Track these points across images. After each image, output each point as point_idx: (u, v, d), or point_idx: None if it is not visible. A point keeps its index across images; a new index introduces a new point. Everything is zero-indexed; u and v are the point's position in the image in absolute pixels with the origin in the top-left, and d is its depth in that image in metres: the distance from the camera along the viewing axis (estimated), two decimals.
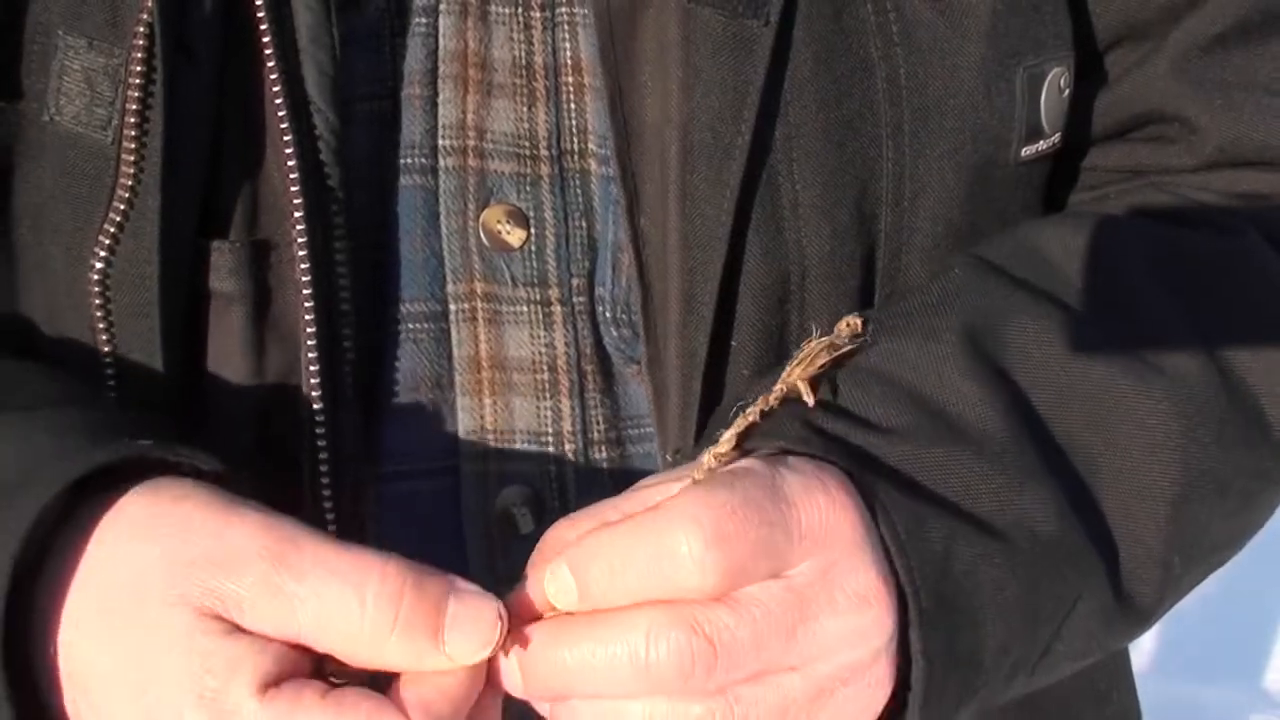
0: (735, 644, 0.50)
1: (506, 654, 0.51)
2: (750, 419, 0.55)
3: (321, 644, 0.49)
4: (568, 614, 0.52)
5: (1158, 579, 0.61)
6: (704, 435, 0.61)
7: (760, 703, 0.51)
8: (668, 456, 0.62)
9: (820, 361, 0.57)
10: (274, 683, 0.48)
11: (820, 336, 0.58)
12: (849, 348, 0.58)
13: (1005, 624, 0.56)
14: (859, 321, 0.59)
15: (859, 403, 0.58)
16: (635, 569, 0.50)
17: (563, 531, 0.53)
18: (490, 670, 0.51)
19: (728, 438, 0.54)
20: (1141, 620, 0.62)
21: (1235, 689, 2.43)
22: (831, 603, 0.52)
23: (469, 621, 0.49)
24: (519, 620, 0.52)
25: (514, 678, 0.51)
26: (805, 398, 0.57)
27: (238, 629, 0.48)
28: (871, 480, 0.55)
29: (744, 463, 0.53)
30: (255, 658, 0.48)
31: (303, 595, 0.48)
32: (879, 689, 0.54)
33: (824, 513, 0.52)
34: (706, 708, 0.50)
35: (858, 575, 0.52)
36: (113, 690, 0.49)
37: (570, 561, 0.51)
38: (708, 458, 0.54)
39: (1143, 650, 2.46)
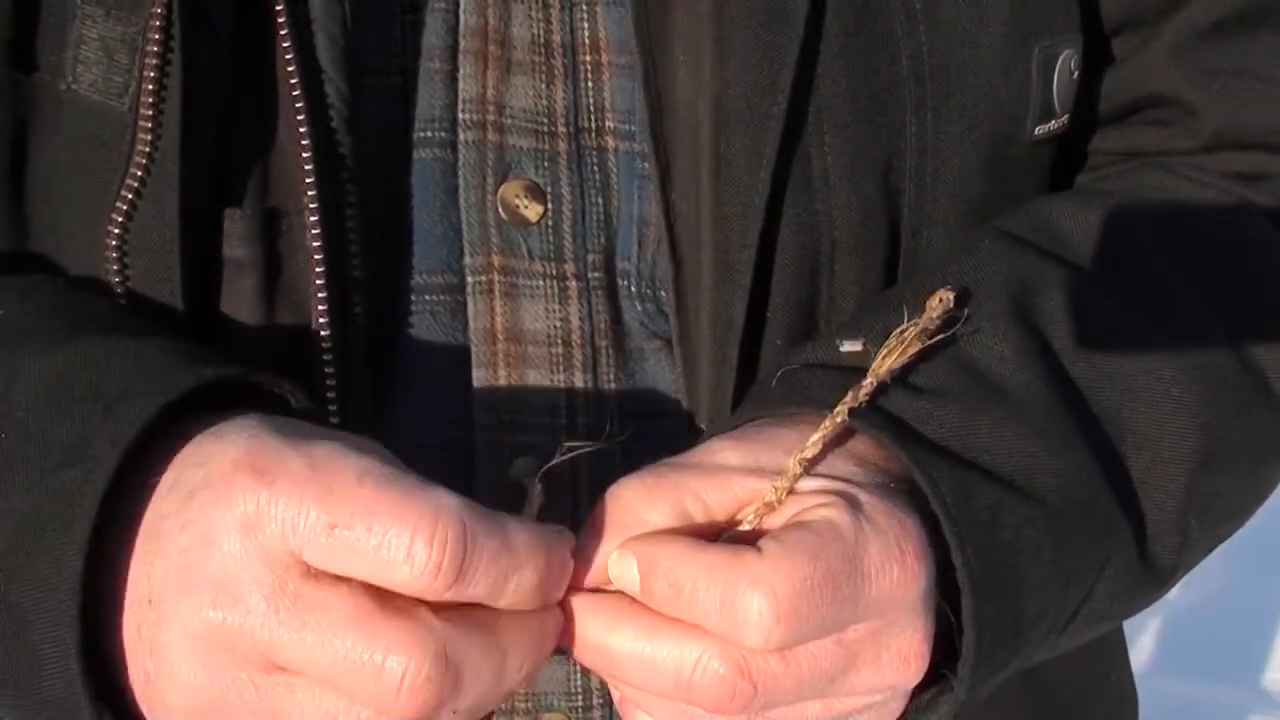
0: (776, 689, 0.51)
1: (562, 614, 0.53)
2: (839, 419, 0.55)
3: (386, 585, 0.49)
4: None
5: (1177, 543, 0.62)
6: (747, 400, 0.61)
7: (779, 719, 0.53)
8: (702, 425, 0.63)
9: (913, 349, 0.57)
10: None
11: (911, 322, 0.58)
12: (940, 336, 0.58)
13: (1043, 588, 0.57)
14: (950, 296, 0.59)
15: (904, 368, 0.58)
16: (701, 606, 0.51)
17: (635, 499, 0.54)
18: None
19: (814, 440, 0.54)
20: (1161, 583, 0.63)
21: (1235, 689, 2.44)
22: (876, 660, 0.53)
23: (526, 544, 0.50)
24: (577, 575, 0.53)
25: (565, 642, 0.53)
26: (873, 384, 0.56)
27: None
28: (921, 454, 0.55)
29: (827, 511, 0.53)
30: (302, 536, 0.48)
31: (367, 543, 0.48)
32: (893, 711, 0.56)
33: (895, 584, 0.52)
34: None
35: (905, 636, 0.53)
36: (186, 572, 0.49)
37: (639, 558, 0.52)
38: (792, 464, 0.54)
39: (1143, 650, 2.47)
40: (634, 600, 0.53)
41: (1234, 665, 2.48)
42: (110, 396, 0.52)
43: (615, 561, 0.53)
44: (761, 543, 0.52)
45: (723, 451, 0.56)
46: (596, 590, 0.54)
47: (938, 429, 0.57)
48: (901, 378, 0.58)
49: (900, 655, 0.53)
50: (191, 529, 0.49)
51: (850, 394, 0.55)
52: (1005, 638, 0.56)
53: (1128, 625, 0.78)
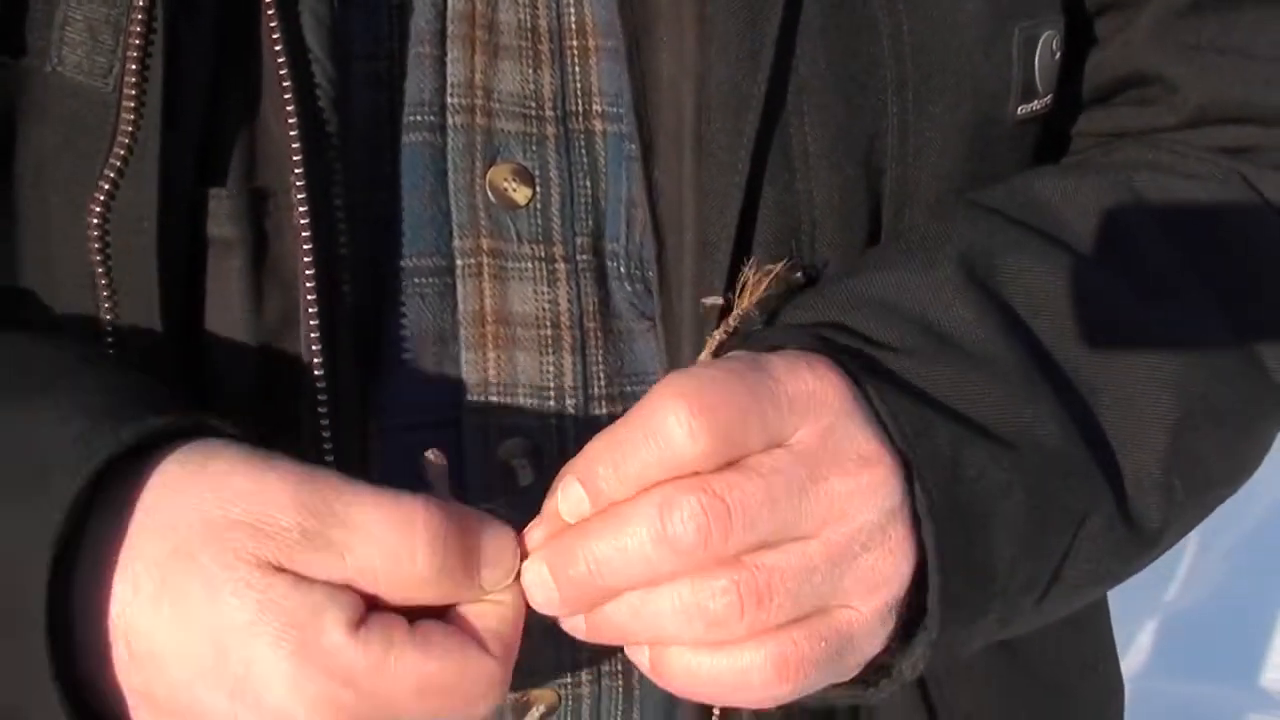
0: (747, 499, 0.51)
1: (536, 575, 0.53)
2: (718, 339, 0.58)
3: (368, 587, 0.50)
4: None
5: (1161, 503, 0.62)
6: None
7: (782, 568, 0.53)
8: None
9: (761, 287, 0.59)
10: (360, 621, 0.50)
11: (751, 265, 0.60)
12: (779, 269, 0.60)
13: (1014, 532, 0.57)
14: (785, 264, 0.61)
15: (864, 325, 0.59)
16: (633, 456, 0.52)
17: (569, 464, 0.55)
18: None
19: (702, 359, 0.57)
20: (1149, 545, 0.64)
21: (1235, 689, 2.43)
22: (837, 463, 0.53)
23: (497, 555, 0.53)
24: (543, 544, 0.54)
25: (548, 594, 0.53)
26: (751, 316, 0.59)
27: (301, 578, 0.50)
28: (879, 387, 0.56)
29: (730, 354, 0.55)
30: (336, 599, 0.49)
31: (350, 544, 0.50)
32: (899, 554, 0.55)
33: (810, 383, 0.54)
34: (730, 579, 0.52)
35: (855, 438, 0.54)
36: (188, 664, 0.50)
37: (574, 472, 0.53)
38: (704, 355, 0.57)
39: (1141, 650, 2.46)
40: None
41: (1233, 665, 2.47)
42: (36, 468, 0.51)
43: (561, 497, 0.53)
44: None
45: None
46: None
47: (897, 370, 0.58)
48: (860, 331, 0.59)
49: (859, 455, 0.54)
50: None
51: (722, 325, 0.59)
52: (976, 578, 0.57)
53: (1126, 625, 0.78)
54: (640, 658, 0.55)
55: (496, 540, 0.53)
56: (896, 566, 0.55)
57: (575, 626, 0.55)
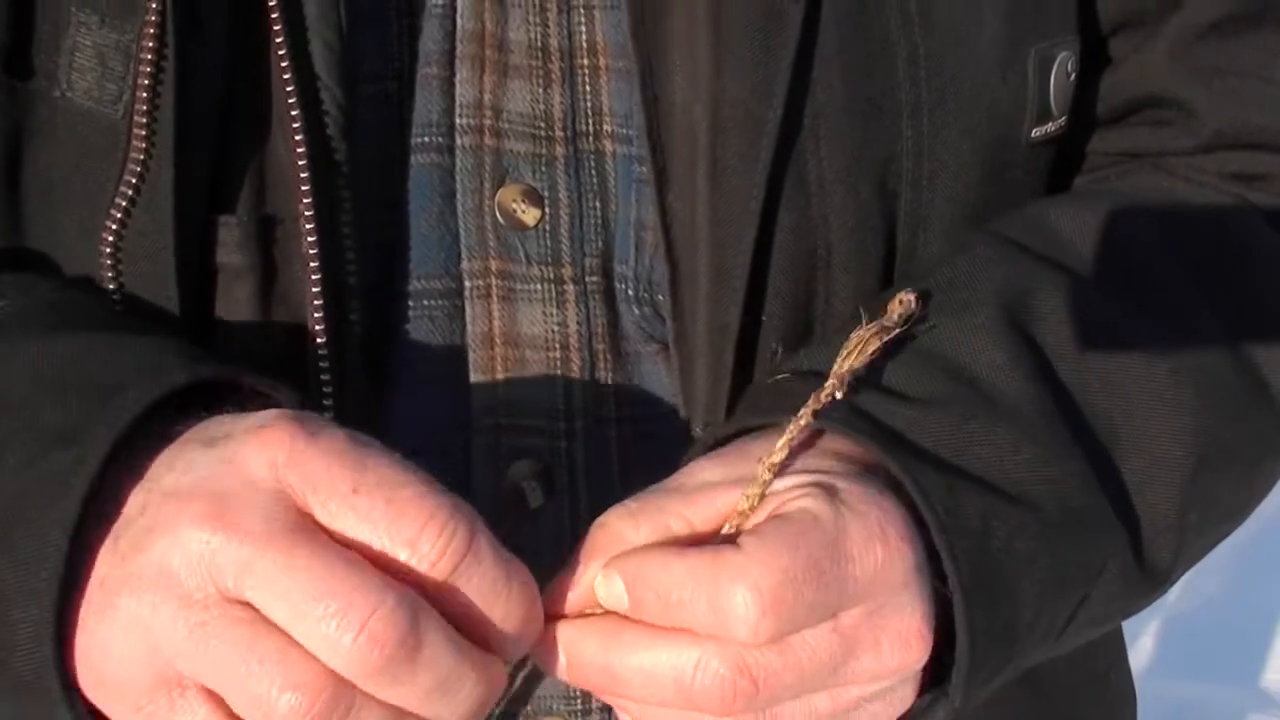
0: (779, 684, 0.51)
1: (555, 641, 0.53)
2: (803, 421, 0.55)
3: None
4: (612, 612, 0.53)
5: (1173, 545, 0.62)
6: (739, 408, 0.61)
7: (786, 716, 0.53)
8: (697, 430, 0.63)
9: (872, 349, 0.57)
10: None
11: (869, 323, 0.58)
12: (899, 331, 0.58)
13: (1037, 595, 0.57)
14: (911, 298, 0.59)
15: (895, 376, 0.58)
16: (689, 609, 0.51)
17: (621, 526, 0.54)
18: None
19: (781, 445, 0.54)
20: (1158, 585, 0.63)
21: (1235, 689, 2.44)
22: (875, 645, 0.53)
23: (515, 623, 0.51)
24: (564, 603, 0.53)
25: (560, 665, 0.53)
26: (837, 392, 0.56)
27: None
28: (909, 462, 0.55)
29: (805, 502, 0.53)
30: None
31: (381, 527, 0.49)
32: (903, 705, 0.56)
33: (880, 562, 0.52)
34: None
35: (902, 617, 0.53)
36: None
37: (624, 575, 0.52)
38: (761, 470, 0.54)
39: (1143, 650, 2.47)
40: (625, 618, 0.53)
41: (1234, 665, 2.48)
42: (106, 387, 0.52)
43: (601, 581, 0.53)
44: (740, 539, 0.52)
45: (702, 471, 0.56)
46: (585, 615, 0.54)
47: (927, 436, 0.57)
48: (891, 386, 0.58)
49: (900, 637, 0.53)
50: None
51: (813, 398, 0.56)
52: (999, 645, 0.56)
53: (1127, 625, 0.78)
54: (622, 717, 0.56)
55: (519, 611, 0.51)
56: (897, 709, 0.55)
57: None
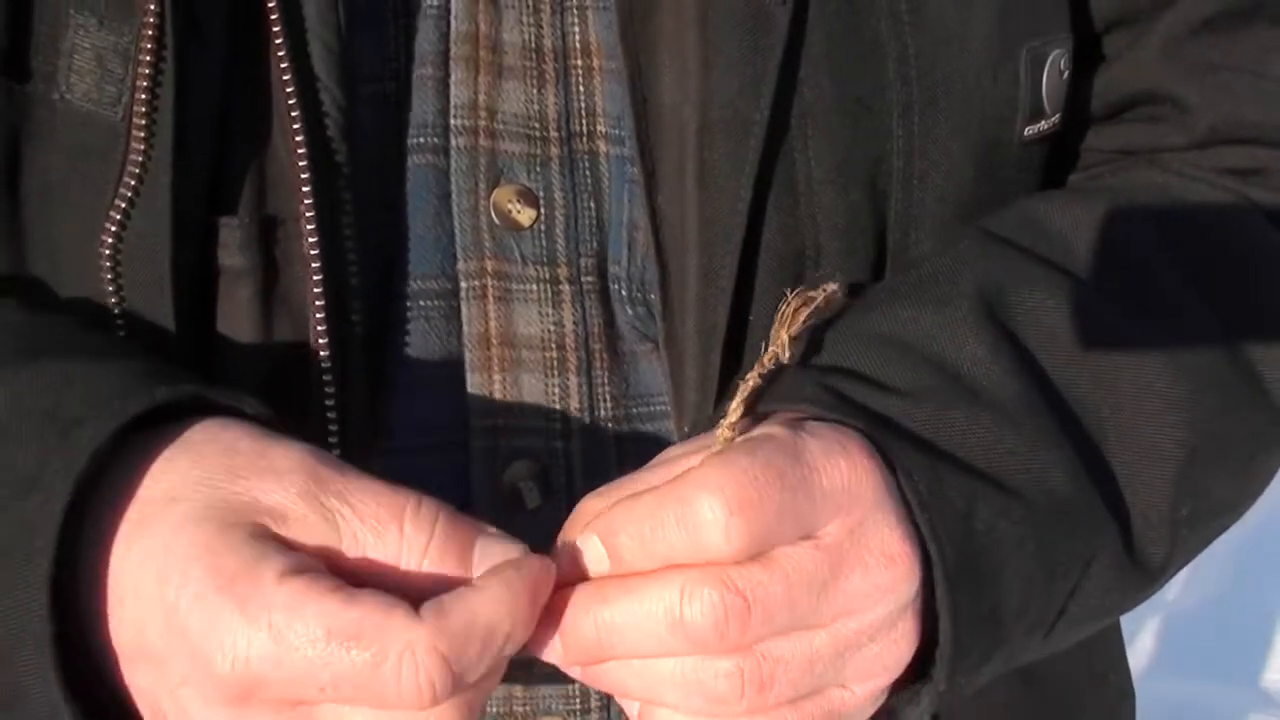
0: (769, 598, 0.51)
1: (543, 620, 0.53)
2: (751, 384, 0.56)
3: (358, 562, 0.50)
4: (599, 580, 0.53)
5: (1166, 539, 0.62)
6: (718, 408, 0.62)
7: (787, 658, 0.53)
8: (685, 429, 0.63)
9: (801, 317, 0.58)
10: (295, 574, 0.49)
11: (794, 294, 0.58)
12: (823, 298, 0.59)
13: (1024, 581, 0.57)
14: (833, 287, 0.60)
15: (876, 367, 0.59)
16: (662, 537, 0.51)
17: (592, 504, 0.55)
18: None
19: (735, 405, 0.55)
20: (1151, 580, 0.63)
21: (1235, 689, 2.44)
22: (861, 561, 0.53)
23: (497, 552, 0.51)
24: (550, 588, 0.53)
25: (552, 643, 0.53)
26: (783, 356, 0.57)
27: (266, 534, 0.50)
28: (891, 442, 0.56)
29: (765, 428, 0.54)
30: (280, 551, 0.49)
31: (344, 514, 0.50)
32: (903, 644, 0.55)
33: (846, 475, 0.53)
34: (735, 663, 0.52)
35: (882, 534, 0.54)
36: (140, 601, 0.50)
37: (599, 531, 0.53)
38: (721, 429, 0.54)
39: (1143, 650, 2.47)
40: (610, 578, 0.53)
41: (1234, 665, 2.48)
42: (65, 422, 0.52)
43: (580, 549, 0.53)
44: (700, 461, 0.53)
45: (669, 451, 0.57)
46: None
47: (913, 424, 0.57)
48: (876, 377, 0.59)
49: (884, 554, 0.53)
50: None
51: (758, 362, 0.57)
52: (985, 628, 0.57)
53: (1127, 625, 0.78)
54: (630, 709, 0.56)
55: (499, 543, 0.52)
56: (900, 655, 0.55)
57: (571, 670, 0.55)
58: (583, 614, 0.52)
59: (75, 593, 0.51)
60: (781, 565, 0.51)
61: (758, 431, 0.54)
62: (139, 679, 0.51)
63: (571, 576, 0.53)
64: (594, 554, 0.53)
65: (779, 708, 0.53)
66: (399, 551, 0.50)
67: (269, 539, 0.49)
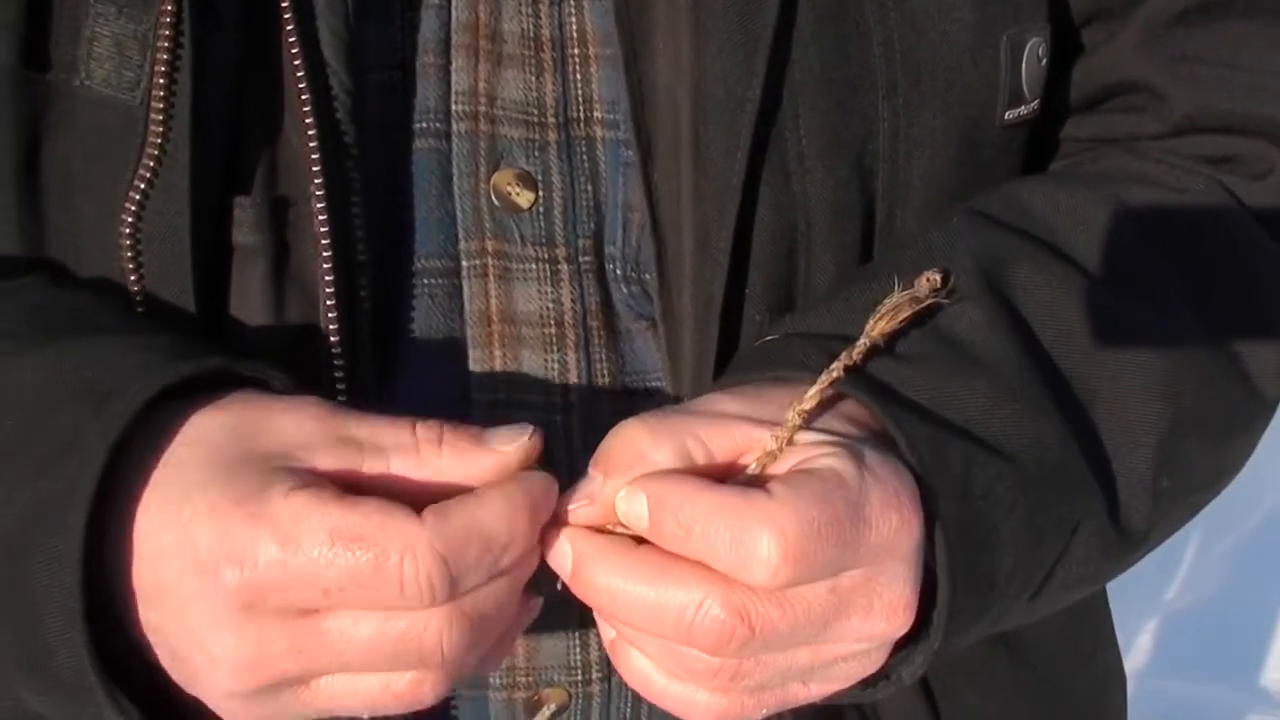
0: (772, 633, 0.53)
1: (561, 554, 0.55)
2: (834, 374, 0.57)
3: (380, 465, 0.53)
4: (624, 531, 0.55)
5: (1148, 508, 0.65)
6: (731, 368, 0.64)
7: (766, 662, 0.55)
8: (682, 401, 0.65)
9: (904, 315, 0.60)
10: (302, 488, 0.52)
11: (902, 290, 0.60)
12: (930, 301, 0.61)
13: (1015, 544, 0.59)
14: (938, 277, 0.62)
15: (892, 334, 0.60)
16: (709, 544, 0.53)
17: (639, 439, 0.56)
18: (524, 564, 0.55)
19: (811, 394, 0.57)
20: (1134, 548, 0.66)
21: (1235, 689, 2.43)
22: (867, 609, 0.55)
23: (507, 436, 0.55)
24: (577, 509, 0.56)
25: (565, 565, 0.56)
26: (866, 345, 0.59)
27: (281, 464, 0.52)
28: (895, 411, 0.58)
29: (832, 459, 0.55)
30: (289, 472, 0.52)
31: (360, 433, 0.54)
32: (874, 667, 0.58)
33: (893, 531, 0.55)
34: (720, 659, 0.54)
35: (897, 587, 0.55)
36: (160, 523, 0.52)
37: (650, 495, 0.54)
38: (792, 414, 0.56)
39: (1143, 650, 2.46)
40: (638, 541, 0.55)
41: (1233, 665, 2.47)
42: (99, 395, 0.54)
43: (625, 497, 0.55)
44: (770, 485, 0.54)
45: (721, 402, 0.58)
46: (601, 530, 0.56)
47: (914, 391, 0.59)
48: (882, 345, 0.60)
49: (891, 605, 0.55)
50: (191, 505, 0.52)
51: (844, 354, 0.58)
52: (979, 589, 0.59)
53: (1127, 625, 0.79)
54: (606, 632, 0.58)
55: (506, 429, 0.55)
56: (867, 673, 0.58)
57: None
58: (601, 572, 0.54)
59: (103, 560, 0.53)
60: (794, 606, 0.53)
61: (825, 462, 0.55)
62: (153, 616, 0.53)
63: (602, 509, 0.55)
64: (636, 510, 0.54)
65: (741, 693, 0.56)
66: (416, 442, 0.54)
67: (282, 467, 0.52)
